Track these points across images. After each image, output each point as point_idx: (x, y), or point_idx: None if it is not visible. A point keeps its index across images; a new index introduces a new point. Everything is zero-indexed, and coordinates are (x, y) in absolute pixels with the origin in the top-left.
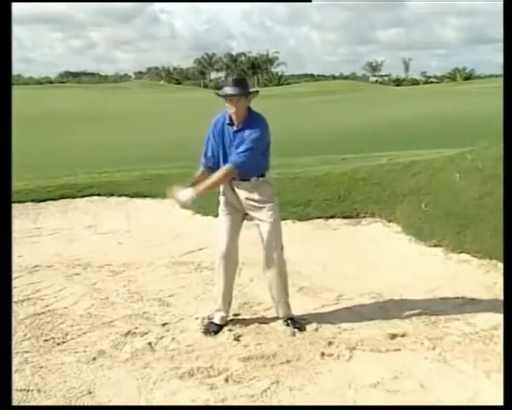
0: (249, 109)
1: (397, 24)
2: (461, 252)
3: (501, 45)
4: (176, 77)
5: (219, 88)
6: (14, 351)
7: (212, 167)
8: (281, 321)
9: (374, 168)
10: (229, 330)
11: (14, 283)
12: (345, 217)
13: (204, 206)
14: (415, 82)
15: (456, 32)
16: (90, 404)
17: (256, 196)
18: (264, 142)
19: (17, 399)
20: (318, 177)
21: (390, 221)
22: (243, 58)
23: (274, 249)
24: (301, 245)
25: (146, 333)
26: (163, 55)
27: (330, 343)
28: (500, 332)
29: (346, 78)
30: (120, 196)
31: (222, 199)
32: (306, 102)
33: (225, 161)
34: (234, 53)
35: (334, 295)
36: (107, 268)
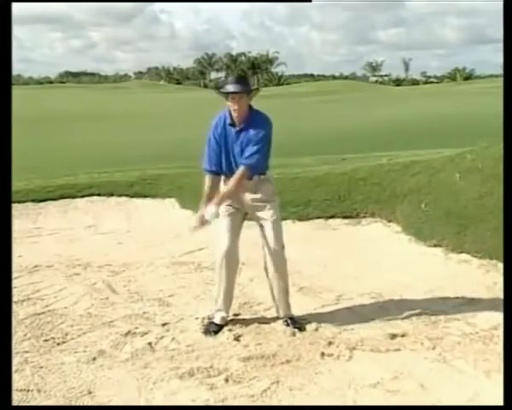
0: (250, 108)
1: (397, 24)
2: (461, 252)
3: (501, 45)
4: (176, 77)
5: (220, 87)
6: (14, 351)
7: (218, 172)
8: (281, 321)
9: (374, 168)
10: (229, 330)
11: (14, 283)
12: (345, 217)
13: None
14: (415, 82)
15: (456, 32)
16: (90, 404)
17: (258, 195)
18: (270, 140)
19: (17, 399)
20: (318, 177)
21: (390, 221)
22: (243, 58)
23: (275, 248)
24: (301, 245)
25: (146, 333)
26: (163, 55)
27: (330, 343)
28: (500, 332)
29: (346, 78)
30: (120, 196)
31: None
32: (306, 102)
33: (228, 161)
34: (234, 53)
35: (334, 295)
36: (107, 268)
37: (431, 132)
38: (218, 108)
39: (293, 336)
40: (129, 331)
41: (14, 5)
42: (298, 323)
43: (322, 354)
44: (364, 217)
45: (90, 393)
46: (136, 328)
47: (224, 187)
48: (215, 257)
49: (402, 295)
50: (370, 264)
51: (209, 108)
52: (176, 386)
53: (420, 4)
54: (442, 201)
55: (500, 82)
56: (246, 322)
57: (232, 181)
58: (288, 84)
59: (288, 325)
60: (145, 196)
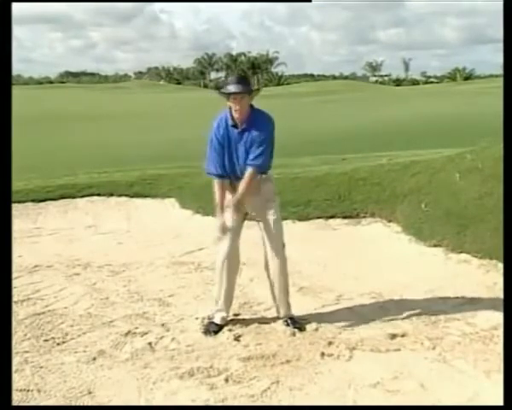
0: (252, 107)
1: (397, 24)
2: (461, 252)
3: (501, 45)
4: (176, 77)
5: (221, 87)
6: (14, 351)
7: (223, 174)
8: (281, 321)
9: (374, 168)
10: (229, 330)
11: (14, 283)
12: (345, 217)
13: (204, 206)
14: (415, 82)
15: (456, 32)
16: (90, 404)
17: (259, 195)
18: (273, 140)
19: (17, 399)
20: (318, 177)
21: (390, 221)
22: (243, 58)
23: (276, 247)
24: (301, 245)
25: (146, 333)
26: (163, 55)
27: (330, 343)
28: (500, 332)
29: (346, 78)
30: (120, 196)
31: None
32: (306, 102)
33: (231, 162)
34: (234, 53)
35: (334, 295)
36: (107, 268)
37: (431, 132)
38: (218, 107)
39: (293, 336)
40: (129, 331)
41: (14, 5)
42: (298, 323)
43: (322, 354)
44: (364, 217)
45: (90, 393)
46: (136, 328)
47: (235, 191)
48: (216, 257)
49: (402, 295)
50: (370, 264)
51: (209, 108)
52: (176, 386)
53: (420, 4)
54: (442, 201)
55: (500, 82)
56: (246, 322)
57: (243, 184)
58: (288, 84)
59: (288, 325)
60: (145, 196)
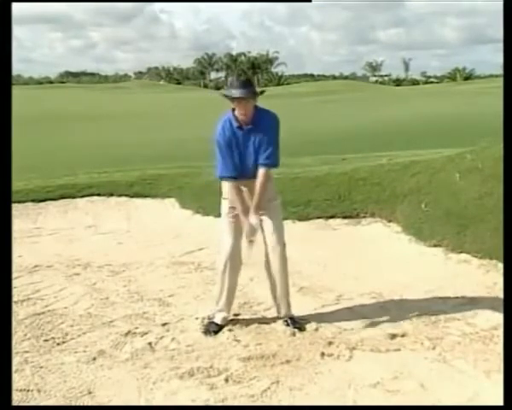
0: (256, 106)
1: (397, 24)
2: (461, 252)
3: (501, 45)
4: (176, 77)
5: (225, 88)
6: (14, 351)
7: (237, 176)
8: (281, 321)
9: (374, 168)
10: (229, 330)
11: (14, 283)
12: (345, 217)
13: (204, 206)
14: (415, 82)
15: (456, 32)
16: (90, 404)
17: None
18: (279, 137)
19: (17, 399)
20: (318, 177)
21: (390, 221)
22: (243, 58)
23: (277, 246)
24: (301, 245)
25: (146, 333)
26: (163, 55)
27: (330, 343)
28: (500, 332)
29: (346, 78)
30: (120, 196)
31: (226, 202)
32: (306, 102)
33: (240, 163)
34: (234, 53)
35: (334, 295)
36: (107, 268)
37: (431, 132)
38: (218, 107)
39: (293, 336)
40: (129, 331)
41: (14, 5)
42: (298, 323)
43: (322, 354)
44: (364, 217)
45: (90, 393)
46: (136, 328)
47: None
48: (218, 258)
49: (402, 295)
50: (370, 264)
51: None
52: (176, 386)
53: (420, 4)
54: (442, 201)
55: (500, 82)
56: (246, 322)
57: (260, 185)
58: (288, 84)
59: (288, 324)
60: (145, 196)
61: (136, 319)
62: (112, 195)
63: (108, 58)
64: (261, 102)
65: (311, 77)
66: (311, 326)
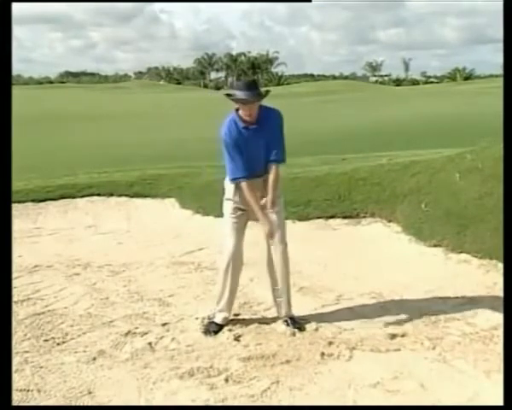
0: (259, 105)
1: (397, 24)
2: (461, 252)
3: (501, 45)
4: (176, 77)
5: (230, 88)
6: (14, 351)
7: (249, 176)
8: (281, 321)
9: (374, 168)
10: (229, 330)
11: (14, 283)
12: (345, 217)
13: (204, 206)
14: (415, 82)
15: (456, 32)
16: (90, 404)
17: (266, 192)
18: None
19: (17, 399)
20: (318, 177)
21: (390, 221)
22: (243, 58)
23: (279, 245)
24: (301, 245)
25: (146, 333)
26: (163, 55)
27: (330, 343)
28: (500, 332)
29: (346, 78)
30: (120, 196)
31: (229, 203)
32: (306, 102)
33: (249, 162)
34: (234, 53)
35: (334, 295)
36: (107, 268)
37: (431, 132)
38: (218, 107)
39: (293, 336)
40: (129, 331)
41: (14, 5)
42: (298, 323)
43: (322, 354)
44: (364, 217)
45: (90, 393)
46: (136, 328)
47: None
48: (220, 258)
49: (402, 295)
50: (370, 264)
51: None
52: (176, 386)
53: (420, 4)
54: (442, 201)
55: (500, 82)
56: (246, 322)
57: (272, 181)
58: (288, 84)
59: (288, 324)
60: (145, 196)
61: (136, 319)
62: (112, 195)
63: (108, 58)
64: (262, 102)
65: (311, 77)
66: (311, 326)
